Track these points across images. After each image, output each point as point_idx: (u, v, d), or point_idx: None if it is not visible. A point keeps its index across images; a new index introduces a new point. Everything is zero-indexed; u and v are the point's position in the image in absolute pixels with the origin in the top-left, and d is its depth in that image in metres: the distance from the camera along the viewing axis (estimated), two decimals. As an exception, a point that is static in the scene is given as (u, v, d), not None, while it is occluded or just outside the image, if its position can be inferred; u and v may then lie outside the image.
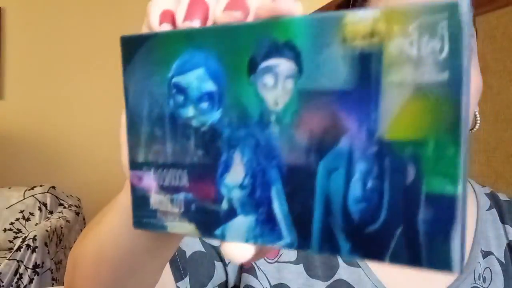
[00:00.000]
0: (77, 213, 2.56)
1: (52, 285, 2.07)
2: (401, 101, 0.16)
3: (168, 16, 0.21)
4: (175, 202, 0.21)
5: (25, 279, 1.94)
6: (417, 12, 0.15)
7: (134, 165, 0.22)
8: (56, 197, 2.61)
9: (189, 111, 0.20)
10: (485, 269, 0.48)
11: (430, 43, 0.15)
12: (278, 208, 0.19)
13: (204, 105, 0.20)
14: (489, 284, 0.48)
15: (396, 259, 0.17)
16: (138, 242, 0.29)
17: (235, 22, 0.19)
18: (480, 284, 0.47)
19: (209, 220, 0.20)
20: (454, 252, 0.15)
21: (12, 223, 2.47)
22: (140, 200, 0.22)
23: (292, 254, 0.49)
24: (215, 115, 0.20)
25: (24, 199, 2.53)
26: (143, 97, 0.21)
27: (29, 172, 2.96)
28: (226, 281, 0.50)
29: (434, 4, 0.15)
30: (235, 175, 0.20)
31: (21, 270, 1.93)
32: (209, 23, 0.21)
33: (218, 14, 0.20)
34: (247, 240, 0.20)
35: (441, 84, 0.15)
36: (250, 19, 0.19)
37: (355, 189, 0.17)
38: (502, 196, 0.54)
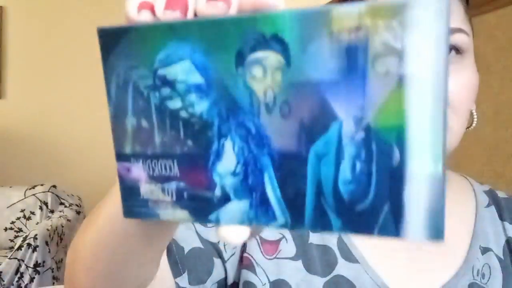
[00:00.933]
0: (78, 212, 2.56)
1: (53, 284, 2.07)
2: (386, 91, 0.17)
3: (147, 4, 0.21)
4: (167, 191, 0.22)
5: (26, 278, 1.94)
6: (400, 7, 0.16)
7: (121, 157, 0.23)
8: (57, 196, 2.61)
9: (177, 103, 0.21)
10: (484, 265, 0.49)
11: (413, 37, 0.16)
12: (271, 192, 0.20)
13: (192, 96, 0.20)
14: (488, 280, 0.48)
15: (384, 232, 0.18)
16: (134, 230, 0.30)
17: (219, 15, 0.19)
18: (479, 280, 0.48)
19: (203, 206, 0.21)
20: (439, 223, 0.17)
21: (13, 222, 2.47)
22: (129, 190, 0.23)
23: (291, 251, 0.49)
24: (203, 106, 0.20)
25: (25, 198, 2.53)
26: (127, 89, 0.21)
27: (30, 171, 2.97)
28: (225, 278, 0.51)
29: (416, 0, 0.16)
30: (227, 163, 0.20)
31: (22, 269, 1.94)
32: (189, 14, 0.20)
33: (201, 5, 0.20)
34: (241, 223, 0.20)
35: (424, 75, 0.16)
36: (232, 11, 0.20)
37: (345, 172, 0.18)
38: (501, 194, 0.55)
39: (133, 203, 0.23)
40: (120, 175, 0.23)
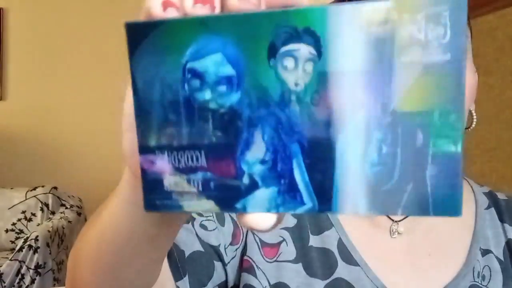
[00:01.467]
0: (79, 214, 2.56)
1: (54, 285, 2.07)
2: (411, 78, 0.19)
3: (171, 3, 0.21)
4: (192, 181, 0.22)
5: (27, 280, 1.94)
6: (424, 3, 0.18)
7: (145, 149, 0.23)
8: (58, 197, 2.61)
9: (206, 94, 0.21)
10: (484, 267, 0.49)
11: (435, 29, 0.18)
12: (300, 177, 0.21)
13: (222, 88, 0.21)
14: (488, 282, 0.48)
15: (408, 210, 0.20)
16: (138, 229, 0.30)
17: (251, 10, 0.20)
18: (479, 282, 0.48)
19: (229, 195, 0.22)
20: (458, 199, 0.19)
21: (14, 224, 2.48)
22: (152, 183, 0.23)
23: (291, 254, 0.49)
24: (234, 97, 0.21)
25: (26, 199, 2.53)
26: (154, 83, 0.22)
27: (31, 172, 2.97)
28: (226, 281, 0.51)
29: None
30: (256, 152, 0.21)
31: (23, 271, 1.94)
32: (217, 8, 0.21)
33: (233, 0, 0.20)
34: (268, 210, 0.21)
35: (445, 63, 0.18)
36: (263, 6, 0.20)
37: (372, 155, 0.20)
38: (501, 195, 0.55)
39: (155, 196, 0.23)
40: (143, 168, 0.23)
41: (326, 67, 0.20)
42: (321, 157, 0.20)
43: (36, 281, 1.95)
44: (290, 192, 0.21)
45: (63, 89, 3.09)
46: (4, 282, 1.89)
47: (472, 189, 0.55)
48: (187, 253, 0.47)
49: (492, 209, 0.53)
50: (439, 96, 0.19)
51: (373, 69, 0.19)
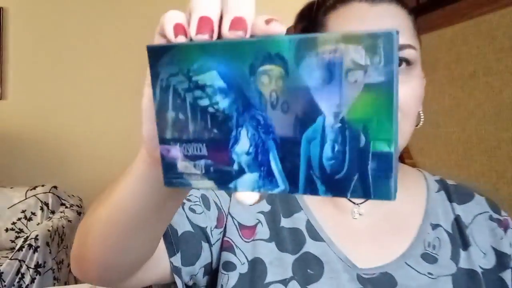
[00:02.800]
0: (79, 213, 2.56)
1: (54, 284, 2.08)
2: (355, 94, 0.25)
3: (181, 29, 0.28)
4: (197, 166, 0.30)
5: (27, 279, 1.94)
6: (364, 37, 0.24)
7: (163, 140, 0.30)
8: (58, 197, 2.61)
9: (206, 101, 0.28)
10: (434, 238, 0.57)
11: (373, 57, 0.24)
12: (275, 166, 0.27)
13: (217, 97, 0.28)
14: (438, 250, 0.56)
15: (355, 194, 0.26)
16: (150, 200, 0.38)
17: (238, 38, 0.27)
18: (430, 251, 0.56)
19: (224, 178, 0.29)
20: (392, 187, 0.25)
21: (14, 223, 2.48)
22: (169, 166, 0.30)
23: (265, 234, 0.57)
24: (225, 104, 0.28)
25: (26, 199, 2.53)
26: (168, 91, 0.29)
27: (31, 172, 2.97)
28: (211, 264, 0.57)
29: (376, 32, 0.24)
30: (243, 146, 0.28)
31: (23, 270, 1.94)
32: (215, 36, 0.28)
33: (225, 31, 0.27)
34: (253, 190, 0.28)
35: (380, 83, 0.24)
36: (247, 35, 0.27)
37: (327, 151, 0.26)
38: (450, 182, 0.63)
39: (171, 175, 0.30)
40: (162, 154, 0.30)
41: (292, 83, 0.26)
42: (290, 151, 0.27)
43: (36, 280, 1.96)
44: (268, 177, 0.28)
45: (63, 89, 3.09)
46: (4, 281, 1.89)
47: (425, 177, 0.63)
48: (179, 232, 0.53)
49: (442, 192, 0.61)
50: (376, 109, 0.24)
51: (327, 85, 0.25)
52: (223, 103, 0.28)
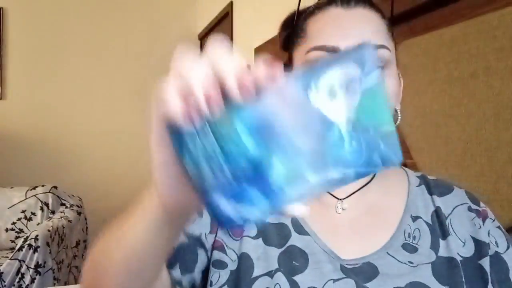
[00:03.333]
0: (79, 213, 2.56)
1: (54, 284, 2.08)
2: (356, 100, 0.32)
3: (192, 118, 0.31)
4: (245, 203, 0.33)
5: (27, 279, 1.94)
6: (352, 53, 0.32)
7: (207, 194, 0.33)
8: (58, 197, 2.61)
9: (234, 148, 0.32)
10: (414, 229, 0.60)
11: (363, 67, 0.31)
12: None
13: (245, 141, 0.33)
14: (418, 240, 0.59)
15: (376, 168, 0.33)
16: (161, 236, 0.41)
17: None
18: (410, 241, 0.59)
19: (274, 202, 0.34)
20: (399, 150, 0.33)
21: (14, 223, 2.48)
22: (221, 215, 0.33)
23: (253, 231, 0.60)
24: (253, 145, 0.33)
25: (26, 199, 2.53)
26: (199, 161, 0.32)
27: (31, 172, 2.97)
28: (208, 264, 0.59)
29: (358, 45, 0.32)
30: (278, 170, 0.33)
31: (23, 270, 1.94)
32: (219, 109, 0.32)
33: (236, 97, 0.30)
34: (301, 201, 0.33)
35: (372, 86, 0.32)
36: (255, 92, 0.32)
37: (348, 144, 0.32)
38: (431, 177, 0.66)
39: (224, 219, 0.33)
40: (211, 204, 0.34)
41: (305, 110, 0.33)
42: (319, 162, 0.32)
43: (36, 280, 1.96)
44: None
45: (63, 89, 3.10)
46: (4, 281, 1.89)
47: (407, 174, 0.67)
48: (175, 245, 0.56)
49: (423, 186, 0.64)
50: (374, 105, 0.32)
51: (333, 101, 0.32)
52: (251, 145, 0.31)
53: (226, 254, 0.59)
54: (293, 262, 0.57)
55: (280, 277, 0.55)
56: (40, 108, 3.05)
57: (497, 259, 0.58)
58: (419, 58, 1.15)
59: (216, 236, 0.60)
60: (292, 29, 0.63)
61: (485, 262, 0.58)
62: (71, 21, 3.12)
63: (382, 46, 0.56)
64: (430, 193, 0.64)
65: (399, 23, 1.21)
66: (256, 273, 0.57)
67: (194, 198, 0.35)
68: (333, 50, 0.55)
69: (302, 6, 0.65)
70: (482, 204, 0.63)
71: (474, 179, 1.01)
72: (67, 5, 3.12)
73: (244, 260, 0.57)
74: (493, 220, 0.61)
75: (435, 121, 1.09)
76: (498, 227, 0.61)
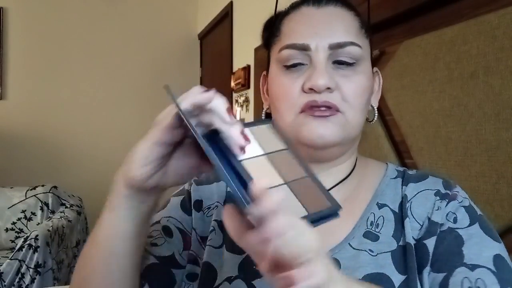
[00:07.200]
0: (79, 213, 2.56)
1: (54, 284, 2.07)
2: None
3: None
4: None
5: (27, 279, 1.94)
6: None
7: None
8: (58, 197, 2.61)
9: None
10: (379, 217, 0.60)
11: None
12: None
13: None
14: (381, 228, 0.59)
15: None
16: (136, 228, 0.46)
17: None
18: (373, 229, 0.59)
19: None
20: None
21: (14, 223, 2.48)
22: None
23: (217, 241, 0.61)
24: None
25: (26, 199, 2.53)
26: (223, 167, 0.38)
27: (31, 172, 2.97)
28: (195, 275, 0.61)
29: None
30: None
31: (23, 270, 1.94)
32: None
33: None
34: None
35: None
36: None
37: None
38: (411, 171, 0.66)
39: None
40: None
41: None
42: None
43: (36, 280, 1.96)
44: None
45: (63, 89, 3.10)
46: (4, 281, 1.89)
47: (387, 167, 0.67)
48: (142, 267, 0.57)
49: (399, 178, 0.64)
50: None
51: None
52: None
53: (199, 266, 0.60)
54: (254, 267, 0.56)
55: (238, 284, 0.56)
56: (40, 108, 3.05)
57: (449, 233, 0.56)
58: (419, 58, 1.15)
59: (189, 250, 0.61)
60: (270, 31, 0.65)
61: (430, 241, 0.56)
62: (71, 21, 3.12)
63: (352, 43, 0.57)
64: (403, 185, 0.63)
65: (399, 23, 1.21)
66: (217, 282, 0.57)
67: (161, 176, 0.43)
68: (302, 48, 0.57)
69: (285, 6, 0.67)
70: (456, 189, 0.61)
71: (474, 179, 1.01)
72: (67, 5, 3.12)
73: (206, 268, 0.59)
74: (460, 202, 0.58)
75: (435, 121, 1.09)
76: (467, 208, 0.58)
